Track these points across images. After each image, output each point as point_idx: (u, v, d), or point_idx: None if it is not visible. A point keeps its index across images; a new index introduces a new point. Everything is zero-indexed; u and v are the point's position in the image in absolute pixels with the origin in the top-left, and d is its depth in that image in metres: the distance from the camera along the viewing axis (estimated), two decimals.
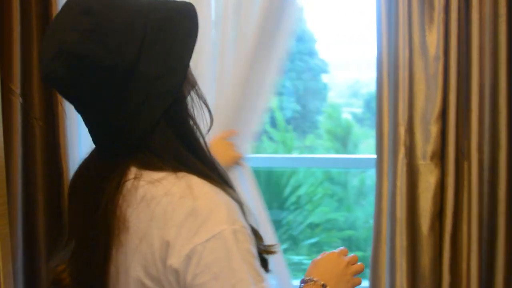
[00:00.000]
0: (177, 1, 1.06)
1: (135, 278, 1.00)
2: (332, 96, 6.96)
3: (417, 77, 2.04)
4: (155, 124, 1.02)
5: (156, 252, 0.97)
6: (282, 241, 4.71)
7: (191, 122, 1.11)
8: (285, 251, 4.73)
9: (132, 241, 1.00)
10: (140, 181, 1.03)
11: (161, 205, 0.98)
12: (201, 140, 1.12)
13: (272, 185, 4.81)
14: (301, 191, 4.88)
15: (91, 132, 1.11)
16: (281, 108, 7.60)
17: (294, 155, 5.36)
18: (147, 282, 0.98)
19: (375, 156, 2.13)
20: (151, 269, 0.98)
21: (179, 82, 1.04)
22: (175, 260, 0.95)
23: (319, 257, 1.36)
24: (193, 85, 1.11)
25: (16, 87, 1.63)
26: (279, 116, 6.78)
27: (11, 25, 1.70)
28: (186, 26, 1.04)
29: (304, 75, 7.96)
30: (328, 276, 1.22)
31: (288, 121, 7.73)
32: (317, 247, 5.23)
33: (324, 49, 6.68)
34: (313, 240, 5.08)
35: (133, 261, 1.00)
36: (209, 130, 1.15)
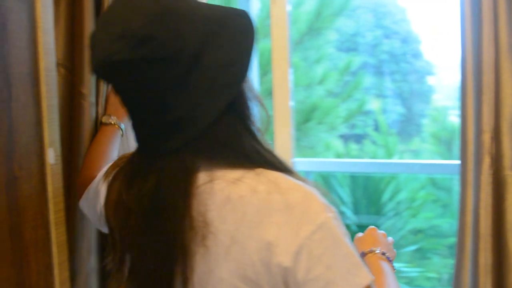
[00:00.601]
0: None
1: (227, 284, 0.94)
2: (438, 99, 6.73)
3: (504, 80, 1.84)
4: (219, 115, 0.96)
5: (254, 254, 0.92)
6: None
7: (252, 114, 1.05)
8: None
9: (220, 246, 0.94)
10: (217, 181, 0.97)
11: (252, 204, 0.93)
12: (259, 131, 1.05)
13: (370, 190, 4.65)
14: (401, 197, 4.72)
15: (140, 128, 1.01)
16: (385, 111, 7.42)
17: (383, 160, 5.19)
18: (243, 286, 0.93)
19: (459, 161, 1.95)
20: (249, 272, 0.92)
21: (245, 71, 0.99)
22: (283, 259, 0.90)
23: (361, 234, 1.40)
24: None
25: (87, 92, 1.61)
26: (382, 120, 6.62)
27: (83, 32, 1.69)
28: (244, 22, 1.00)
29: (409, 77, 7.75)
30: (381, 246, 1.28)
31: (392, 125, 7.52)
32: (420, 254, 5.05)
33: (429, 50, 6.42)
34: (414, 247, 4.90)
35: (223, 266, 0.94)
36: (266, 128, 1.06)
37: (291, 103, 2.40)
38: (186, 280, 0.95)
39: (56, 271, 1.03)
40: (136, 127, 1.02)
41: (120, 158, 1.11)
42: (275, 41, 2.31)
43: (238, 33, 1.00)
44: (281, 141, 2.32)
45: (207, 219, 0.94)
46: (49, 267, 1.02)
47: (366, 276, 0.91)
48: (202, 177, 0.98)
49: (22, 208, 0.97)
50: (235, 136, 1.00)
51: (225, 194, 0.95)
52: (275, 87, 2.35)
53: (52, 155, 1.02)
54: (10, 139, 0.95)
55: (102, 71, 0.95)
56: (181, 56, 0.94)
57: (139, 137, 1.03)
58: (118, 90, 1.00)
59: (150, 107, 0.97)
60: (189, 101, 0.96)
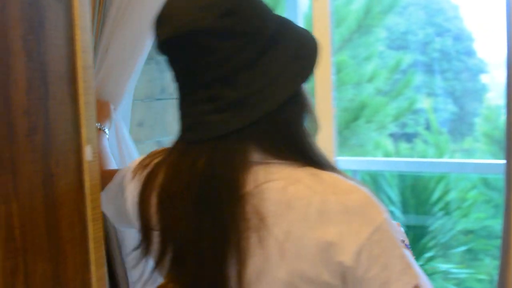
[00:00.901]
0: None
1: (281, 283, 0.94)
2: (491, 97, 6.59)
3: None
4: (283, 102, 0.95)
5: (314, 254, 0.92)
6: (428, 248, 4.49)
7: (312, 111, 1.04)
8: (432, 258, 4.52)
9: (275, 243, 0.93)
10: (274, 179, 0.95)
11: (312, 206, 0.92)
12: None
13: (419, 190, 4.57)
14: (451, 196, 4.63)
15: (194, 108, 0.97)
16: (437, 110, 7.29)
17: (432, 159, 5.09)
18: (301, 285, 0.94)
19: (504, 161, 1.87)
20: (308, 272, 0.93)
21: (311, 68, 0.99)
22: (345, 258, 0.91)
23: None
24: None
25: None
26: (433, 118, 6.50)
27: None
28: (308, 33, 1.03)
29: (461, 75, 7.60)
30: (397, 234, 1.14)
31: (443, 123, 7.38)
32: (471, 255, 4.95)
33: (482, 48, 6.26)
34: (463, 248, 4.80)
35: (279, 265, 0.94)
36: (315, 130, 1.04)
37: (333, 103, 2.37)
38: (239, 270, 0.94)
39: (93, 268, 1.03)
40: (189, 108, 0.99)
41: (149, 156, 1.09)
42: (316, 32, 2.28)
43: (306, 32, 1.02)
44: (324, 140, 2.30)
45: (262, 214, 0.93)
46: (86, 263, 1.02)
47: (416, 276, 0.94)
48: (257, 171, 0.96)
49: (59, 205, 0.98)
50: (293, 128, 0.99)
51: (282, 193, 0.94)
52: (317, 87, 2.32)
53: (90, 152, 1.02)
54: (47, 136, 0.95)
55: (177, 41, 0.94)
56: (260, 35, 0.95)
57: (188, 121, 0.99)
58: (184, 63, 0.97)
59: (217, 83, 0.95)
60: (259, 82, 0.94)
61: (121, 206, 1.14)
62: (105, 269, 1.09)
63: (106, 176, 1.22)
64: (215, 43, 0.92)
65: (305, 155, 0.99)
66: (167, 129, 2.18)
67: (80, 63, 1.03)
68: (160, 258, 0.99)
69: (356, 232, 0.91)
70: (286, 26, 1.00)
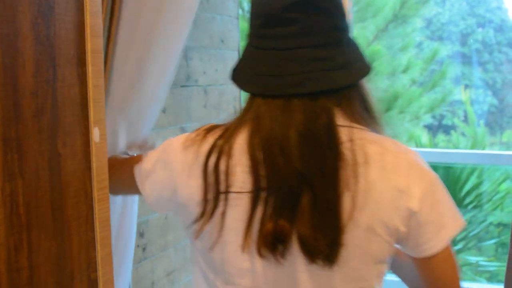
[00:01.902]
0: None
1: (366, 226, 1.07)
2: None
3: None
4: (362, 78, 1.12)
5: (390, 200, 1.07)
6: (458, 240, 4.44)
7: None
8: (461, 250, 4.49)
9: (361, 190, 1.06)
10: (357, 138, 1.09)
11: (386, 161, 1.08)
12: None
13: (451, 181, 4.51)
14: (483, 189, 4.56)
15: (300, 65, 1.08)
16: (475, 102, 7.17)
17: (463, 150, 5.00)
18: (378, 229, 1.07)
19: None
20: (384, 216, 1.07)
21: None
22: (413, 204, 1.07)
23: None
24: None
25: None
26: (471, 111, 6.39)
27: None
28: None
29: (502, 67, 7.44)
30: None
31: (482, 116, 7.25)
32: (503, 248, 4.88)
33: None
34: (493, 241, 4.72)
35: (364, 209, 1.06)
36: None
37: None
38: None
39: (98, 246, 1.05)
40: (293, 65, 1.09)
41: (199, 132, 1.19)
42: None
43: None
44: None
45: (358, 159, 1.07)
46: (91, 242, 1.04)
47: (461, 219, 1.13)
48: (343, 131, 1.08)
49: (65, 184, 1.00)
50: (370, 100, 1.15)
51: (365, 151, 1.07)
52: None
53: (97, 134, 1.04)
54: (54, 117, 0.98)
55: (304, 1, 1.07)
56: (342, 18, 1.11)
57: (291, 78, 1.09)
58: (304, 23, 1.08)
59: (330, 45, 1.09)
60: (354, 55, 1.12)
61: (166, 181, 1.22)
62: (110, 249, 1.11)
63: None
64: (332, 10, 1.09)
65: (378, 124, 1.16)
66: (191, 115, 2.19)
67: (89, 47, 1.05)
68: (254, 207, 1.09)
69: (419, 182, 1.08)
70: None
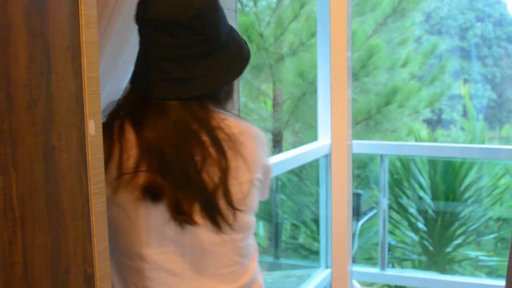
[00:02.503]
0: None
1: (249, 181, 1.38)
2: None
3: None
4: (221, 86, 1.39)
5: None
6: (457, 235, 4.42)
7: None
8: (461, 245, 4.49)
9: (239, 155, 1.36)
10: (226, 118, 1.37)
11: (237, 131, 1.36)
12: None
13: (450, 176, 4.50)
14: (482, 183, 4.54)
15: (162, 73, 1.33)
16: (475, 97, 7.15)
17: (463, 144, 4.98)
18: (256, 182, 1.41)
19: None
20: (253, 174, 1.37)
21: (245, 67, 1.43)
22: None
23: None
24: None
25: None
26: (470, 105, 6.37)
27: None
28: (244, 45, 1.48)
29: (501, 62, 7.42)
30: None
31: (481, 110, 7.23)
32: (502, 243, 4.87)
33: None
34: (493, 235, 4.71)
35: (243, 169, 1.35)
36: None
37: (349, 90, 2.33)
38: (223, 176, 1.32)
39: (94, 241, 1.03)
40: (157, 72, 1.34)
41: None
42: (333, 19, 2.24)
43: (245, 44, 1.43)
44: (338, 126, 2.27)
45: (230, 136, 1.33)
46: (87, 236, 1.03)
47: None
48: (216, 113, 1.35)
49: (60, 177, 0.99)
50: (225, 99, 1.44)
51: (233, 126, 1.35)
52: (333, 70, 2.29)
53: (93, 127, 1.03)
54: (48, 110, 0.96)
55: (163, 22, 1.30)
56: (215, 37, 1.34)
57: (157, 83, 1.34)
58: (160, 38, 1.32)
59: (182, 61, 1.33)
60: (208, 69, 1.34)
61: None
62: (107, 243, 1.10)
63: None
64: (184, 35, 1.31)
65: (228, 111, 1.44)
66: None
67: (84, 38, 1.03)
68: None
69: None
70: (234, 35, 1.41)
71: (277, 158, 2.96)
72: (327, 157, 3.61)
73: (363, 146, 3.52)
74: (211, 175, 1.31)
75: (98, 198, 1.07)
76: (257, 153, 1.38)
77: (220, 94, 1.41)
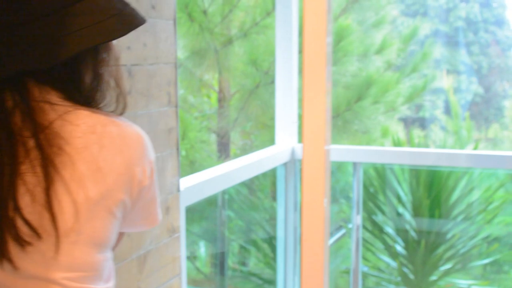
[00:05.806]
0: None
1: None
2: None
3: None
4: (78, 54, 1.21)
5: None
6: (444, 260, 4.43)
7: None
8: (448, 272, 4.48)
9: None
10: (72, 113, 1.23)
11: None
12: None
13: (435, 188, 4.48)
14: (474, 197, 4.51)
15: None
16: (459, 91, 7.16)
17: (453, 150, 4.96)
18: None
19: None
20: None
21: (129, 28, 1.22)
22: None
23: None
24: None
25: None
26: (454, 101, 6.36)
27: None
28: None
29: (489, 49, 7.45)
30: None
31: (465, 106, 7.24)
32: (495, 267, 4.89)
33: None
34: (488, 260, 4.72)
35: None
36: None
37: (327, 77, 2.24)
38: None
39: None
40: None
41: None
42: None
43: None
44: (313, 126, 2.18)
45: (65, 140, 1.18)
46: None
47: None
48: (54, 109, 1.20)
49: None
50: (86, 79, 1.26)
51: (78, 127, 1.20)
52: (308, 56, 2.18)
53: None
54: None
55: None
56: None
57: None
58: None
59: (26, 25, 1.16)
60: (59, 29, 1.17)
61: None
62: None
63: None
64: None
65: (91, 105, 1.26)
66: None
67: None
68: None
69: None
70: None
71: (225, 167, 2.81)
72: (287, 165, 3.46)
73: (333, 151, 3.39)
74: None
75: None
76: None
77: (71, 77, 1.23)
